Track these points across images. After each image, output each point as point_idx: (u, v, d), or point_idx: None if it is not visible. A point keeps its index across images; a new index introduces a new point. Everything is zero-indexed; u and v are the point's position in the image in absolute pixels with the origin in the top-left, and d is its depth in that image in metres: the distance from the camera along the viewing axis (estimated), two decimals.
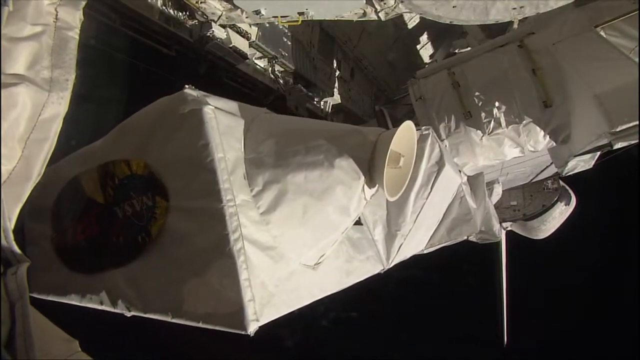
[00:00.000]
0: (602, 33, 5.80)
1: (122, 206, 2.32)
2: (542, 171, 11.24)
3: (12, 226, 2.05)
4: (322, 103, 10.17)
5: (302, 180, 2.35)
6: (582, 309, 19.76)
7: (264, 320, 2.14)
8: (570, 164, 7.16)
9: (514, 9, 4.81)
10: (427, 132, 4.23)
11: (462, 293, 20.07)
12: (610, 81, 5.27)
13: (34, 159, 2.12)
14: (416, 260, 6.40)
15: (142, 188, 2.29)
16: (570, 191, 13.35)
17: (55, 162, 2.57)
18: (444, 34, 13.41)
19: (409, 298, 20.15)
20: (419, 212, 4.18)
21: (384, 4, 5.32)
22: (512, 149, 6.76)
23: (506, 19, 4.99)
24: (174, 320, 2.16)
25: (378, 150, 2.44)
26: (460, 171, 6.18)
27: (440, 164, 4.22)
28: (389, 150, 2.34)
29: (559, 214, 13.23)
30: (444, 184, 4.39)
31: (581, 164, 7.67)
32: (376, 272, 3.84)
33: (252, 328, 2.05)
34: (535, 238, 13.82)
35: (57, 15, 2.24)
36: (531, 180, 12.48)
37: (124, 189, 2.33)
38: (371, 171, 2.45)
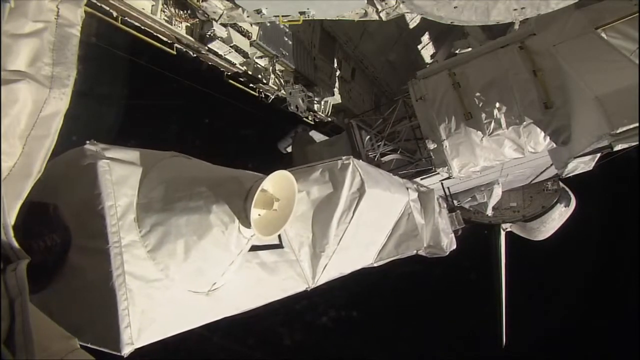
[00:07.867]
0: (603, 35, 5.81)
1: (38, 242, 2.67)
2: (542, 172, 11.25)
3: (12, 223, 2.06)
4: (322, 103, 10.15)
5: (183, 223, 2.82)
6: (581, 310, 19.78)
7: (141, 343, 2.52)
8: (570, 166, 7.16)
9: (515, 10, 4.81)
10: (347, 161, 4.46)
11: (462, 292, 20.08)
12: (611, 83, 5.26)
13: (35, 155, 2.13)
14: (415, 260, 6.44)
15: (53, 227, 2.67)
16: (570, 193, 13.36)
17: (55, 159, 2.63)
18: (445, 34, 13.39)
19: (408, 297, 20.16)
20: (342, 234, 4.47)
21: (385, 4, 5.32)
22: (512, 150, 6.76)
23: (507, 20, 4.99)
24: None
25: (250, 196, 2.86)
26: (408, 189, 6.35)
27: (361, 191, 4.49)
28: (256, 195, 2.80)
29: (559, 215, 13.23)
30: (371, 207, 4.69)
31: (581, 165, 7.68)
32: (300, 290, 4.16)
33: (126, 350, 2.42)
34: (534, 239, 13.83)
35: (58, 12, 2.24)
36: (531, 181, 12.48)
37: (41, 227, 2.70)
38: (246, 214, 2.85)
